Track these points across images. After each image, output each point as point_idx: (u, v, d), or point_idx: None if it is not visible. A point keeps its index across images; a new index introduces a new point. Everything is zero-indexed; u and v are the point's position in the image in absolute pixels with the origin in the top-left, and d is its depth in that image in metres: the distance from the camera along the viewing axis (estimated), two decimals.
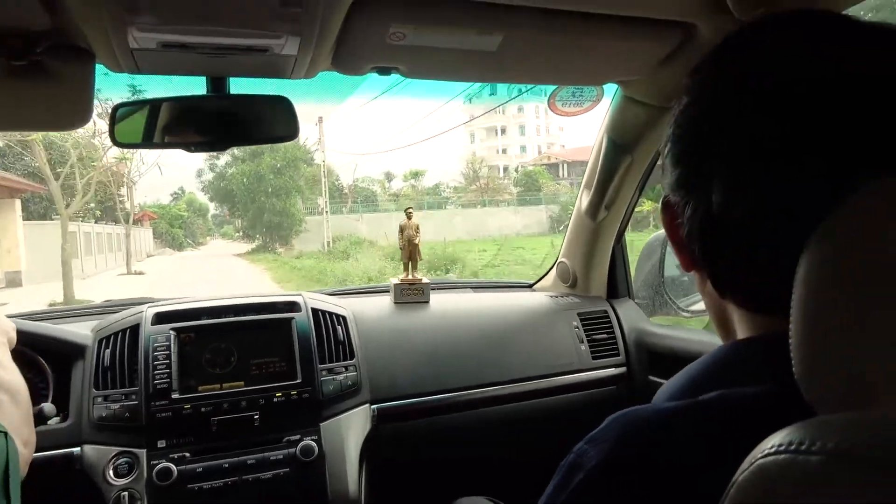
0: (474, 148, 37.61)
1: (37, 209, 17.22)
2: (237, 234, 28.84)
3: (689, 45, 1.08)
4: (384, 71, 1.11)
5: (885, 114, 0.44)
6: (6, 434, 0.75)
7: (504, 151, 38.14)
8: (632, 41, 1.07)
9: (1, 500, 0.70)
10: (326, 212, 21.32)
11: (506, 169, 34.56)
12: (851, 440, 0.31)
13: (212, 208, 31.64)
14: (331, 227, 21.21)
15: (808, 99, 0.45)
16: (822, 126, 0.44)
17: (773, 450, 0.33)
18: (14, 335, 1.06)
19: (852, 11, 0.96)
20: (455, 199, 28.78)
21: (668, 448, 0.45)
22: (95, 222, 19.34)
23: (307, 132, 21.54)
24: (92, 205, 19.70)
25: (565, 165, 30.17)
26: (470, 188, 29.36)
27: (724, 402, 0.46)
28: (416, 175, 30.88)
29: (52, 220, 15.99)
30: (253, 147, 21.94)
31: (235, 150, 22.94)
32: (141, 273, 16.78)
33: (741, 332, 0.53)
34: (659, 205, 0.57)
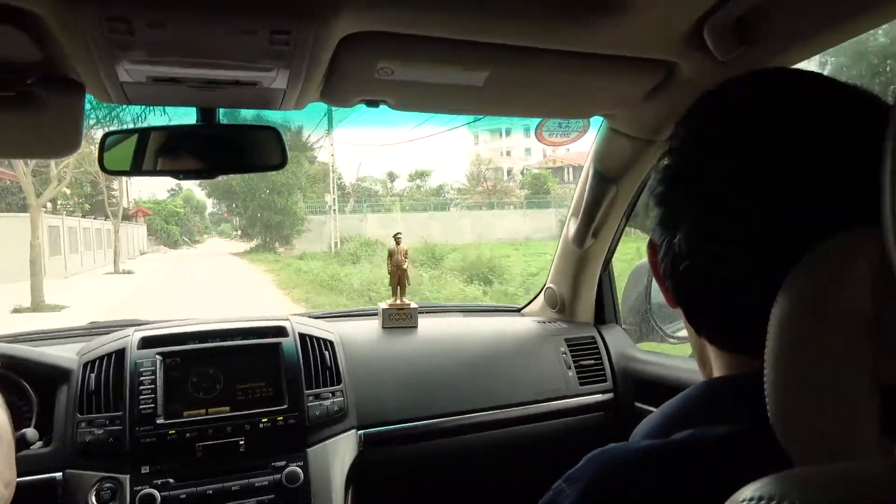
0: (478, 150, 36.61)
1: (15, 200, 15.92)
2: (235, 232, 27.92)
3: (672, 82, 1.10)
4: (372, 104, 1.13)
5: (863, 145, 0.46)
6: None
7: (508, 154, 37.40)
8: (615, 78, 1.09)
9: None
10: (335, 210, 19.75)
11: (510, 171, 33.67)
12: (815, 498, 0.32)
13: (209, 206, 31.01)
14: (331, 227, 20.02)
15: (799, 130, 0.48)
16: (814, 152, 0.47)
17: (752, 502, 0.34)
18: None
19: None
20: (460, 201, 27.99)
21: (641, 488, 0.46)
22: (83, 216, 18.26)
23: (311, 127, 20.70)
24: (81, 198, 18.55)
25: (570, 169, 29.70)
26: (476, 190, 28.67)
27: (696, 443, 0.47)
28: (421, 175, 30.13)
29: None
30: None
31: None
32: (130, 272, 15.79)
33: (717, 369, 0.55)
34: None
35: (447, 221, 22.31)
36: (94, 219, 18.83)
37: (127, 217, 22.78)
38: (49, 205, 16.82)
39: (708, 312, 0.53)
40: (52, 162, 12.76)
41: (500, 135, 38.06)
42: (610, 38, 0.95)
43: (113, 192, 18.31)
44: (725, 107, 0.54)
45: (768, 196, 0.46)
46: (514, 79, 1.07)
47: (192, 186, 28.35)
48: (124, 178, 18.29)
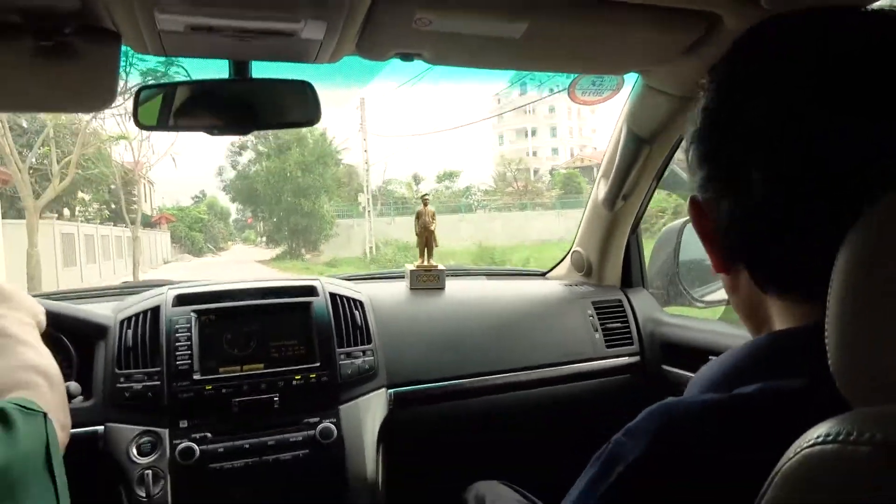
0: (503, 150, 36.07)
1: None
2: (259, 238, 27.47)
3: (714, 36, 1.07)
4: (407, 57, 1.11)
5: None
6: (45, 416, 0.76)
7: (534, 154, 36.82)
8: (656, 30, 1.06)
9: (45, 480, 0.71)
10: (369, 211, 18.42)
11: (536, 171, 32.84)
12: (893, 432, 0.31)
13: (233, 212, 30.55)
14: (361, 232, 18.79)
15: (849, 66, 0.46)
16: (854, 87, 0.45)
17: (819, 439, 0.34)
18: (43, 318, 1.07)
19: None
20: (489, 202, 27.28)
21: (708, 440, 0.45)
22: (101, 223, 17.18)
23: (336, 124, 19.68)
24: (101, 204, 17.31)
25: (599, 169, 29.14)
26: (505, 191, 27.99)
27: (764, 396, 0.46)
28: (450, 176, 29.32)
29: (43, 218, 12.49)
30: (278, 143, 19.93)
31: (260, 147, 21.43)
32: None
33: (778, 323, 0.53)
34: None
35: (477, 223, 21.47)
36: (114, 226, 17.58)
37: (150, 224, 22.12)
38: (66, 211, 15.84)
39: (781, 260, 0.51)
40: (54, 158, 11.51)
41: (526, 135, 37.51)
42: None
43: (133, 198, 17.29)
44: (759, 48, 0.52)
45: (803, 135, 0.46)
46: (553, 30, 1.05)
47: (216, 192, 27.47)
48: (145, 183, 17.54)
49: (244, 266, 19.44)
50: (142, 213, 17.27)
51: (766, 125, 0.48)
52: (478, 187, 30.05)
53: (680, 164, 1.56)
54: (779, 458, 0.37)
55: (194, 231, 26.24)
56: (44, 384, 0.88)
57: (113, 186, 15.83)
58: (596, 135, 37.59)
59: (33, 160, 11.51)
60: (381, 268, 14.76)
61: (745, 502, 0.39)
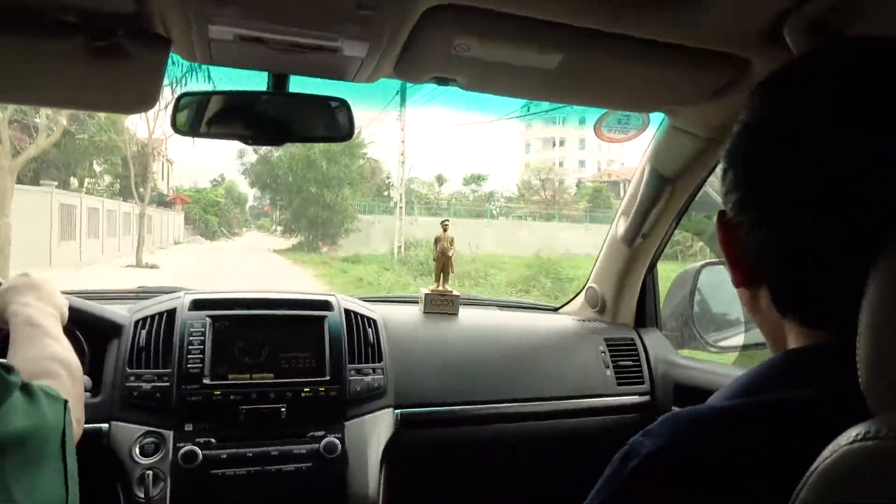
0: (529, 158, 35.53)
1: (25, 171, 12.47)
2: (275, 227, 27.00)
3: (743, 79, 1.09)
4: (443, 81, 1.14)
5: None
6: (66, 403, 0.77)
7: (561, 164, 35.93)
8: (687, 71, 1.09)
9: (58, 465, 0.72)
10: (401, 207, 17.11)
11: (562, 182, 31.47)
12: None
13: (250, 199, 30.31)
14: (382, 229, 17.85)
15: (865, 86, 0.48)
16: (879, 108, 0.47)
17: (859, 437, 0.35)
18: (66, 312, 1.09)
19: None
20: (513, 209, 26.38)
21: (714, 444, 0.47)
22: (111, 197, 16.32)
23: (366, 116, 17.92)
24: (114, 177, 16.34)
25: (626, 184, 28.51)
26: (532, 199, 27.27)
27: (781, 403, 0.48)
28: (476, 179, 28.70)
29: (42, 184, 11.69)
30: None
31: None
32: (154, 267, 13.24)
33: (794, 344, 0.55)
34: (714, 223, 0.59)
35: (502, 231, 20.74)
36: (124, 201, 16.64)
37: (165, 203, 21.90)
38: (74, 181, 15.32)
39: (806, 291, 0.51)
40: (44, 113, 10.20)
41: (554, 144, 37.27)
42: (688, 28, 0.95)
43: (147, 173, 16.15)
44: (790, 80, 0.54)
45: (819, 151, 0.48)
46: (586, 64, 1.07)
47: (237, 177, 26.61)
48: (164, 161, 17.28)
49: (258, 255, 18.27)
50: (158, 191, 16.80)
51: (791, 150, 0.50)
52: (501, 193, 29.42)
53: (712, 185, 1.55)
54: (781, 460, 0.39)
55: (209, 214, 25.74)
56: (66, 376, 0.89)
57: (119, 164, 15.08)
58: (625, 150, 36.98)
59: (36, 119, 9.81)
60: (410, 269, 13.71)
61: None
